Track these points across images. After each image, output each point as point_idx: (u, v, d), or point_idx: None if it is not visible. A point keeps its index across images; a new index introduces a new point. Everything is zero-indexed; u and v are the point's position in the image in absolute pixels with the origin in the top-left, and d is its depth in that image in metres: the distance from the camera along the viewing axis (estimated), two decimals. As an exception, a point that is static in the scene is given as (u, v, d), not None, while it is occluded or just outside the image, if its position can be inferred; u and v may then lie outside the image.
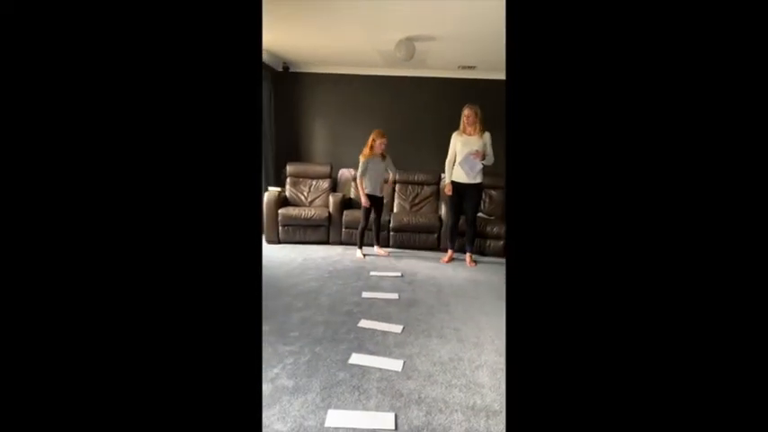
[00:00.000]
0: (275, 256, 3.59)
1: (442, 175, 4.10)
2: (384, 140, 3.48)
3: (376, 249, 3.73)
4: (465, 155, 3.31)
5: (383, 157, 3.56)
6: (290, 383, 1.64)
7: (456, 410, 1.51)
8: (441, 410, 1.51)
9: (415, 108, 4.63)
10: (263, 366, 1.76)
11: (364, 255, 3.60)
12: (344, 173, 4.57)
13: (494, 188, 4.12)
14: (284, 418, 1.43)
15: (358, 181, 3.54)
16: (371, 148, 3.49)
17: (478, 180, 3.41)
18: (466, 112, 3.35)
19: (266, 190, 4.21)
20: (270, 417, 1.43)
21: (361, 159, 3.51)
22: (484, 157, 3.31)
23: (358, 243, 3.66)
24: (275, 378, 1.67)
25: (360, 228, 3.64)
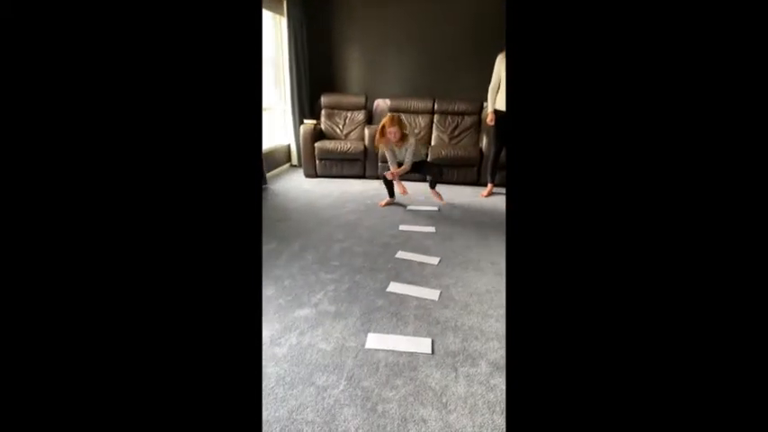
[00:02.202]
0: (314, 189, 3.65)
1: (485, 104, 3.85)
2: (395, 129, 2.91)
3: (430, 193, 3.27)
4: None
5: (402, 142, 3.00)
6: (331, 308, 1.74)
7: (492, 339, 1.55)
8: (476, 338, 1.56)
9: (454, 30, 4.22)
10: (308, 292, 1.86)
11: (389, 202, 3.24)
12: (380, 104, 4.39)
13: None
14: (327, 339, 1.53)
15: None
16: (382, 135, 2.97)
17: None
18: None
19: (302, 122, 4.17)
20: (315, 337, 1.54)
21: (378, 149, 3.16)
22: None
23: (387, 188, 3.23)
24: (318, 303, 1.77)
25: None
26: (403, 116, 3.20)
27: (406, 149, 3.01)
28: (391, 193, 3.24)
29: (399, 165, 3.08)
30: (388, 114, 3.06)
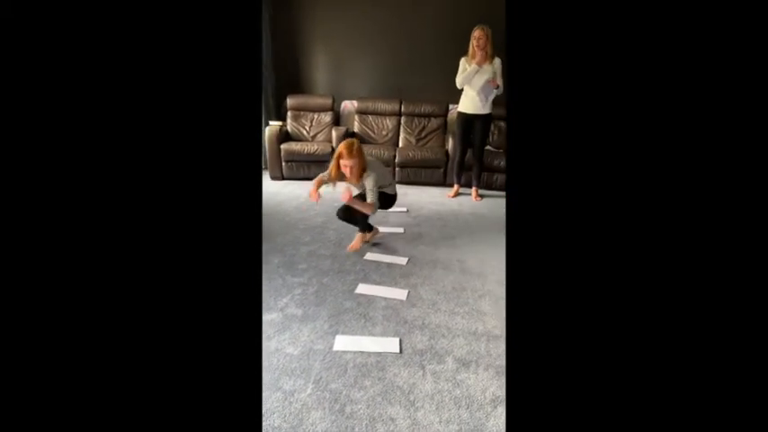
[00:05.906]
0: (281, 192, 3.59)
1: (451, 107, 3.93)
2: (350, 162, 2.10)
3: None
4: (484, 82, 3.11)
5: (359, 177, 2.21)
6: (299, 312, 1.71)
7: (458, 335, 1.59)
8: (443, 335, 1.58)
9: (422, 32, 4.28)
10: (274, 296, 1.83)
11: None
12: (347, 105, 4.38)
13: (503, 119, 3.95)
14: (295, 342, 1.51)
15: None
16: (337, 168, 2.17)
17: (488, 111, 3.25)
18: (476, 33, 3.08)
19: (267, 125, 4.09)
20: (282, 341, 1.51)
21: (333, 182, 2.33)
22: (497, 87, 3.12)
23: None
24: (285, 307, 1.75)
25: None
26: (358, 143, 2.21)
27: (366, 186, 2.22)
28: (363, 227, 2.37)
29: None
30: (346, 140, 2.18)
